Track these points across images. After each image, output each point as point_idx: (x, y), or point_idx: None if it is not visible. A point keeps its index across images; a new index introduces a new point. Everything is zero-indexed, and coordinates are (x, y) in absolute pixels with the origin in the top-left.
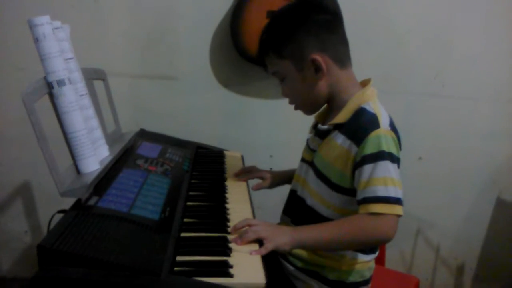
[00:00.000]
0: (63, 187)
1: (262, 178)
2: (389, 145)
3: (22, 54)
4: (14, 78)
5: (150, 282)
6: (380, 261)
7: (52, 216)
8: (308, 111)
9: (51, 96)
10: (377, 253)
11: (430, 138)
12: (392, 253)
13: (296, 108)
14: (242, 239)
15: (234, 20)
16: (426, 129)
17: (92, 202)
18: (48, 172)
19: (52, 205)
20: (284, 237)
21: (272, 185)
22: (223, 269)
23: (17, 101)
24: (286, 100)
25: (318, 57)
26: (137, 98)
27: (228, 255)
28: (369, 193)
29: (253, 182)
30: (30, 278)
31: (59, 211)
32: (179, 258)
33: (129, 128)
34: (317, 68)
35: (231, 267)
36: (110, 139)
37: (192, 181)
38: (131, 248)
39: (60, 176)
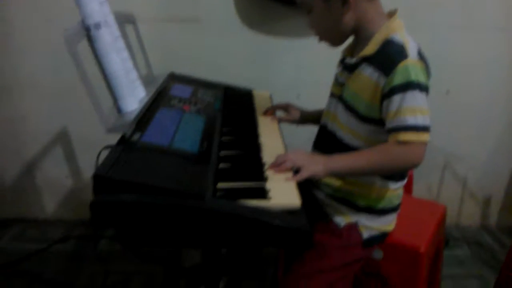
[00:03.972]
0: (108, 124)
1: (290, 111)
2: (417, 75)
3: (49, 6)
4: (43, 30)
5: (196, 204)
6: (407, 191)
7: (100, 152)
8: (333, 42)
9: (89, 40)
10: (405, 180)
11: (458, 71)
12: (419, 186)
13: (320, 40)
14: (280, 167)
15: None
16: (454, 62)
17: (135, 137)
18: (83, 119)
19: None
20: (318, 166)
21: (300, 121)
22: (261, 193)
23: (47, 51)
24: (313, 39)
25: None
26: (164, 42)
27: (265, 181)
28: (398, 122)
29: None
30: (89, 204)
31: (105, 147)
32: (219, 185)
33: (158, 72)
34: (344, 1)
35: (268, 191)
36: (144, 82)
37: (224, 119)
38: (176, 176)
39: (105, 115)
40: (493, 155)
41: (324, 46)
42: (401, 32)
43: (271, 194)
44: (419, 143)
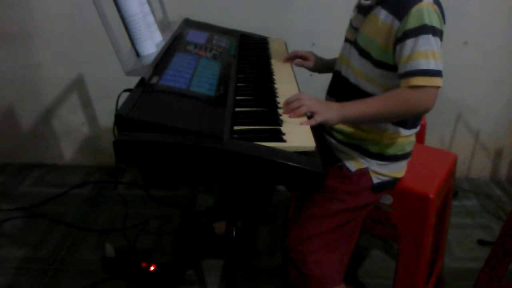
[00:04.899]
0: (128, 67)
1: (306, 58)
2: (431, 18)
3: None
4: None
5: (214, 145)
6: (420, 141)
7: (120, 94)
8: None
9: None
10: (418, 127)
11: (476, 22)
12: (432, 137)
13: None
14: (295, 112)
15: None
16: (471, 13)
17: (154, 80)
18: (99, 66)
19: (104, 98)
20: (332, 112)
21: (315, 68)
22: (277, 135)
23: None
24: None
25: None
26: None
27: (280, 125)
28: (410, 67)
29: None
30: (113, 142)
31: (125, 90)
32: (236, 127)
33: (173, 17)
34: None
35: (284, 134)
36: (160, 27)
37: (240, 65)
38: (194, 118)
39: (124, 58)
40: (507, 109)
41: None
42: None
43: (286, 137)
44: (431, 88)
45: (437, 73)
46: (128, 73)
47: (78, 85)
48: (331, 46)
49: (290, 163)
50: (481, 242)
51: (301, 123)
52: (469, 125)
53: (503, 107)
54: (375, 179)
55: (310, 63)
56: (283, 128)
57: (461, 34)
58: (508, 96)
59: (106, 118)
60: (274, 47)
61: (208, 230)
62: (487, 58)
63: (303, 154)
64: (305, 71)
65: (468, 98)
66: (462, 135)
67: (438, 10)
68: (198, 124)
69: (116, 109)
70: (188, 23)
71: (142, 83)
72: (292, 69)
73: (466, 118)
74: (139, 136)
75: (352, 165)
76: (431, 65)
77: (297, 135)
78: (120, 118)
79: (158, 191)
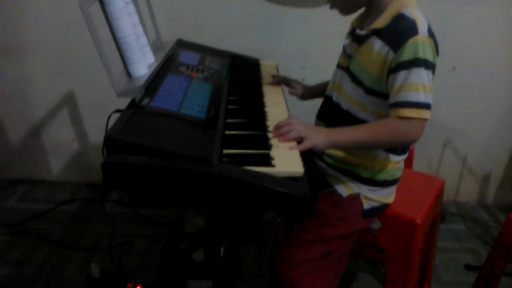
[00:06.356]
0: (119, 88)
1: (294, 86)
2: (425, 52)
3: None
4: None
5: (203, 168)
6: (408, 165)
7: (110, 115)
8: (345, 10)
9: (102, 4)
10: (407, 154)
11: (465, 48)
12: (420, 161)
13: (332, 7)
14: (285, 137)
15: None
16: (461, 39)
17: (145, 102)
18: (90, 83)
19: (95, 115)
20: (321, 137)
21: (304, 97)
22: (266, 160)
23: (56, 13)
24: (320, 10)
25: None
26: (172, 8)
27: (269, 149)
28: (400, 97)
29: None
30: (101, 164)
31: (116, 111)
32: (225, 151)
33: (166, 37)
34: None
35: (273, 158)
36: (153, 47)
37: (231, 87)
38: (184, 141)
39: (116, 78)
40: (494, 134)
41: (331, 18)
42: (412, 7)
43: (275, 161)
44: (419, 120)
45: (425, 106)
46: (119, 95)
47: (69, 101)
48: (321, 69)
49: (277, 189)
50: (468, 267)
51: (290, 148)
52: (456, 150)
53: (491, 132)
54: (366, 205)
55: (298, 92)
56: (272, 153)
57: (449, 60)
58: (496, 121)
59: (96, 134)
60: (266, 70)
61: (188, 258)
62: (475, 84)
63: (292, 179)
64: None
65: (456, 123)
66: (450, 160)
67: (433, 44)
68: (187, 147)
69: (106, 130)
70: (181, 44)
71: (133, 104)
72: (283, 92)
73: (454, 143)
74: (127, 158)
75: (344, 190)
76: (421, 97)
77: (286, 160)
78: (110, 140)
79: (146, 210)
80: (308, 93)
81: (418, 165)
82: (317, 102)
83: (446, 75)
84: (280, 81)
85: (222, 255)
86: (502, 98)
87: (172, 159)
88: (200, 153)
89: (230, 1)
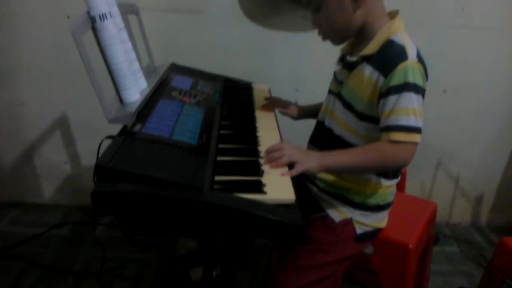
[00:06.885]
0: (110, 114)
1: (289, 108)
2: (415, 77)
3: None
4: (46, 16)
5: (194, 197)
6: (400, 188)
7: (101, 141)
8: (338, 40)
9: (94, 30)
10: (399, 178)
11: (456, 71)
12: (412, 183)
13: (324, 39)
14: (276, 163)
15: None
16: (452, 61)
17: (136, 128)
18: (83, 106)
19: (88, 138)
20: (313, 161)
21: (298, 117)
22: (257, 187)
23: (50, 37)
24: (312, 34)
25: None
26: (165, 32)
27: (261, 176)
28: (391, 121)
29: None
30: (91, 193)
31: (107, 137)
32: (217, 178)
33: (159, 62)
34: None
35: (264, 185)
36: (146, 72)
37: (223, 112)
38: (175, 168)
39: (107, 105)
40: (486, 155)
41: (323, 41)
42: (401, 33)
43: (266, 188)
44: (409, 144)
45: (416, 130)
46: (111, 121)
47: (62, 124)
48: (314, 91)
49: (269, 216)
50: None
51: (282, 174)
52: (449, 171)
53: (483, 153)
54: (359, 230)
55: (293, 114)
56: (264, 179)
57: (440, 83)
58: (488, 143)
59: (89, 157)
60: (258, 94)
61: (184, 278)
62: (466, 106)
63: (284, 206)
64: (288, 119)
65: (447, 145)
66: (443, 182)
67: (422, 69)
68: (178, 175)
69: (97, 157)
70: (174, 68)
71: (124, 131)
72: (275, 116)
73: (446, 164)
74: (117, 186)
75: (336, 215)
76: (411, 121)
77: (278, 187)
78: (100, 168)
79: None
80: (301, 113)
81: (411, 187)
82: (310, 126)
83: (437, 98)
84: (274, 104)
85: (214, 277)
86: (493, 120)
87: (163, 187)
88: (191, 181)
89: (224, 25)
